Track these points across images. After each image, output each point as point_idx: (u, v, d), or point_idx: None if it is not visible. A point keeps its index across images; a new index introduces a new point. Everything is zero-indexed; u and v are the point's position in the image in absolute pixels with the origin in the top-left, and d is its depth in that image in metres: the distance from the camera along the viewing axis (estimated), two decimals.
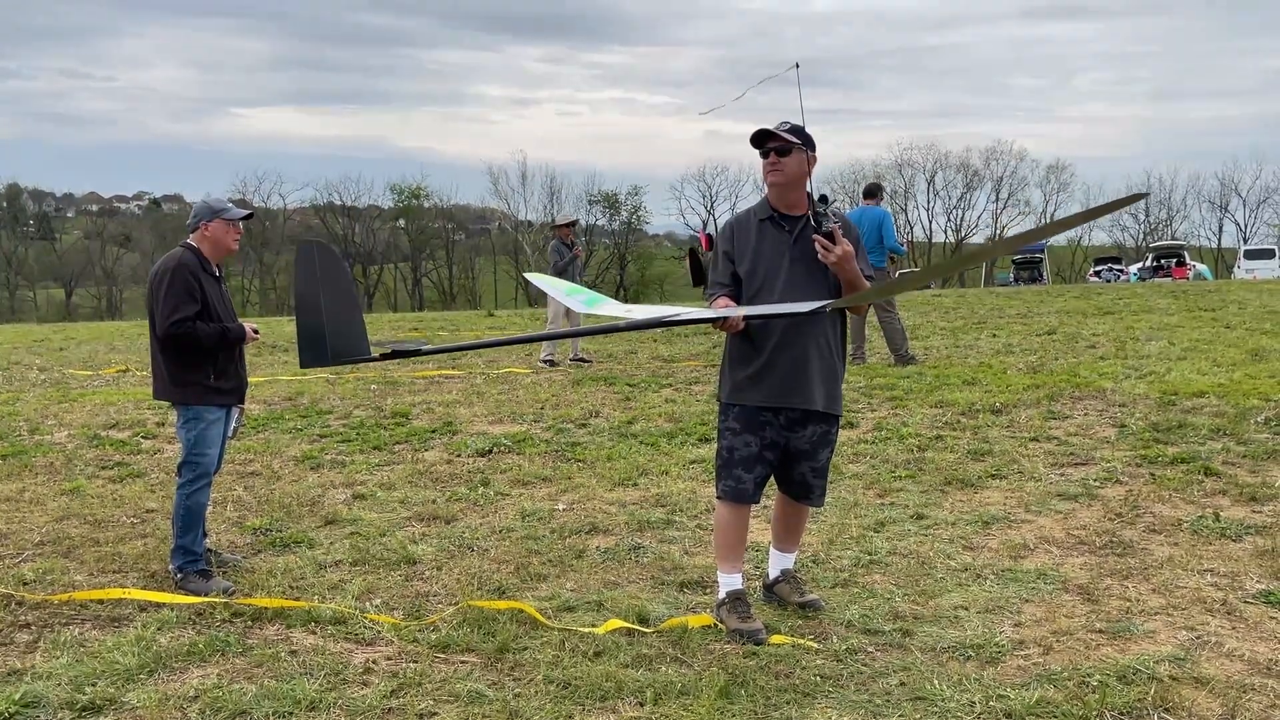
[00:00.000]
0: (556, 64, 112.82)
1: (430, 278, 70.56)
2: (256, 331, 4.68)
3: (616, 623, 3.88)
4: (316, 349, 3.70)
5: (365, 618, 4.03)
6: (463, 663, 3.62)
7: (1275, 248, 47.35)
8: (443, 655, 3.68)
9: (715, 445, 4.01)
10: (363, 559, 4.78)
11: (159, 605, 4.20)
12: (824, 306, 3.58)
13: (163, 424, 8.40)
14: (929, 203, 70.14)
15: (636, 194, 68.39)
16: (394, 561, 4.75)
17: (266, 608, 4.14)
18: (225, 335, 4.50)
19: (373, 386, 10.31)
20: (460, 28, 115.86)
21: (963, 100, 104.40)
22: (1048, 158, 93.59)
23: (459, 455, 6.95)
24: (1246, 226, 65.06)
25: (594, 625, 3.89)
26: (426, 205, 70.52)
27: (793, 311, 3.58)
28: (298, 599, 4.25)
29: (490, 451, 6.99)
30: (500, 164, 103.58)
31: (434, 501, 5.78)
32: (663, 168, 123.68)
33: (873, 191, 11.34)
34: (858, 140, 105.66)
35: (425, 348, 4.10)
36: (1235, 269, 44.66)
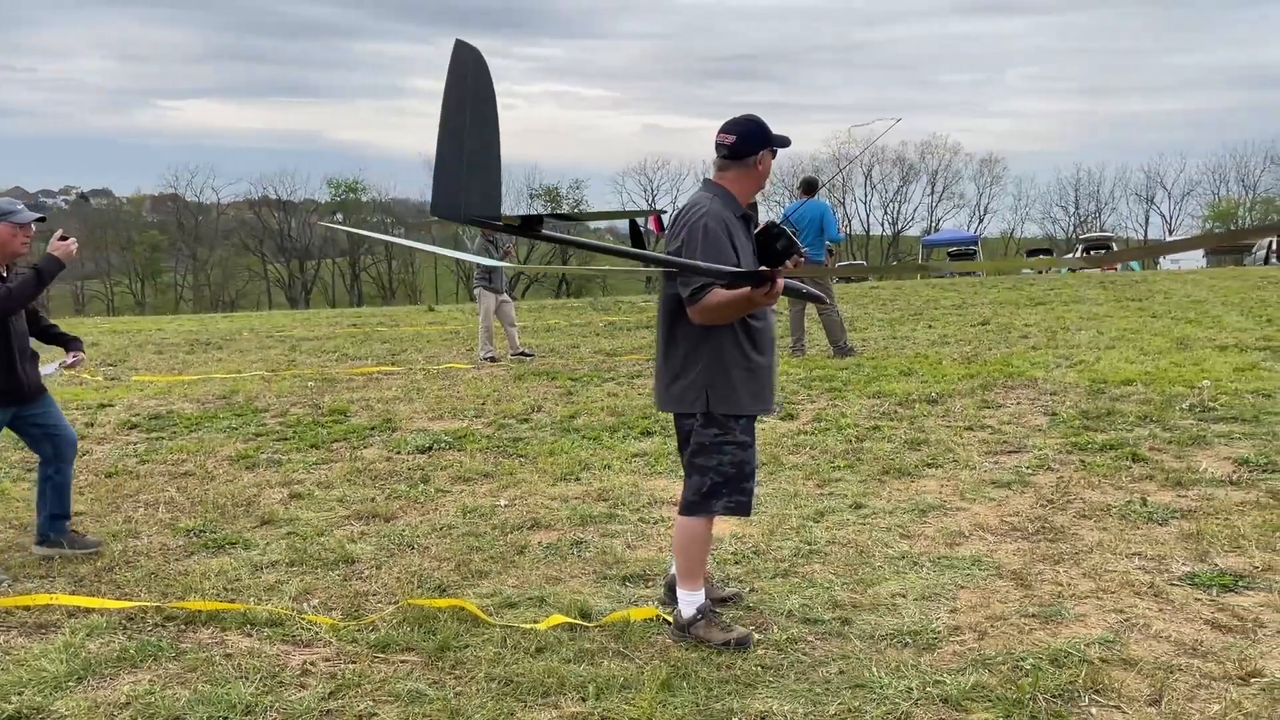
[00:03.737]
0: (493, 57, 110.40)
1: (369, 273, 69.67)
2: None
3: (558, 618, 3.87)
4: (451, 195, 3.01)
5: (302, 619, 3.97)
6: (403, 662, 3.58)
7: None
8: (382, 655, 3.64)
9: (702, 459, 3.66)
10: (300, 559, 4.71)
11: (88, 610, 4.09)
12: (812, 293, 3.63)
13: (91, 424, 8.19)
14: (866, 196, 71.01)
15: (578, 188, 68.25)
16: (332, 561, 4.68)
17: (200, 611, 4.06)
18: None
19: (310, 383, 10.16)
20: (395, 20, 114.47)
21: (897, 95, 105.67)
22: (981, 152, 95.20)
23: (399, 452, 6.87)
24: (1172, 218, 66.97)
25: (536, 621, 3.88)
26: (365, 199, 69.63)
27: (811, 292, 3.66)
28: (232, 601, 4.17)
29: (431, 448, 6.92)
30: None
31: (373, 500, 5.72)
32: (602, 161, 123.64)
33: (810, 186, 11.44)
34: (796, 133, 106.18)
35: (556, 233, 3.48)
36: (1161, 259, 45.93)
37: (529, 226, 3.20)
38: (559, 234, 3.55)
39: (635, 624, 3.81)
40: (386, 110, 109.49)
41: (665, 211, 4.32)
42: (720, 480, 3.65)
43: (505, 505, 5.54)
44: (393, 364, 11.75)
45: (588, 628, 3.81)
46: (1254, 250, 46.32)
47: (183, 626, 3.95)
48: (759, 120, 3.68)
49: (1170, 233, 63.17)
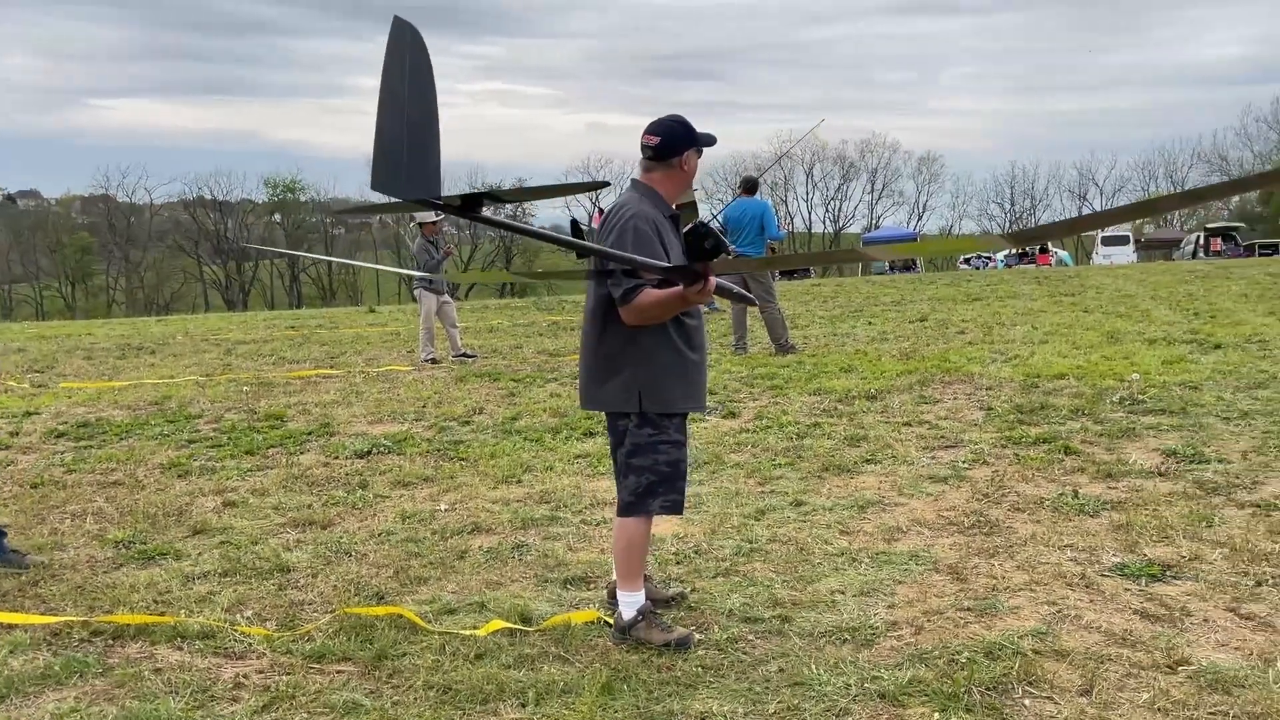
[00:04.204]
0: (434, 55, 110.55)
1: (309, 274, 68.67)
2: None
3: (498, 623, 3.84)
4: (392, 170, 2.91)
5: (235, 630, 3.88)
6: (339, 672, 3.52)
7: (1130, 234, 50.11)
8: (318, 666, 3.58)
9: (638, 458, 3.67)
10: (233, 569, 4.61)
11: (10, 627, 3.96)
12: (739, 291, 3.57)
13: (16, 433, 7.96)
14: (808, 194, 71.73)
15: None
16: (267, 570, 4.59)
17: (129, 624, 3.95)
18: None
19: (245, 388, 9.97)
20: (334, 18, 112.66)
21: (837, 94, 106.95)
22: (919, 150, 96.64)
23: (336, 457, 6.77)
24: None
25: (475, 627, 3.84)
26: (303, 199, 68.61)
27: (741, 293, 3.51)
28: (162, 614, 4.06)
29: (369, 453, 6.83)
30: None
31: (309, 506, 5.62)
32: (546, 160, 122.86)
33: (751, 185, 11.50)
34: (738, 132, 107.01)
35: (502, 211, 3.32)
36: (1094, 255, 47.05)
37: (469, 206, 3.15)
38: (500, 218, 3.48)
39: (576, 627, 3.79)
40: (325, 109, 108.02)
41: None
42: (656, 479, 3.67)
43: (445, 510, 5.48)
44: (331, 367, 11.59)
45: (528, 632, 3.78)
46: (1182, 246, 47.61)
47: (110, 641, 3.84)
48: (683, 120, 3.70)
49: (1102, 228, 64.60)
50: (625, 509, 3.71)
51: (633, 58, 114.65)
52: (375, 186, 2.94)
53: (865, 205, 71.69)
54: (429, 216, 11.34)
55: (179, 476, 6.43)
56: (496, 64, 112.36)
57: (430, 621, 3.92)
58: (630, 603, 3.68)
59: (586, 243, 3.54)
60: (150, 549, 4.93)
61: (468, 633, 3.78)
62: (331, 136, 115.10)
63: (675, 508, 3.74)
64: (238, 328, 18.76)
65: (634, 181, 3.75)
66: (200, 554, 4.85)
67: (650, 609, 3.69)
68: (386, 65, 2.88)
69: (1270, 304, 13.21)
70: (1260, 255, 37.69)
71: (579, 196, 67.02)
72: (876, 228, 65.46)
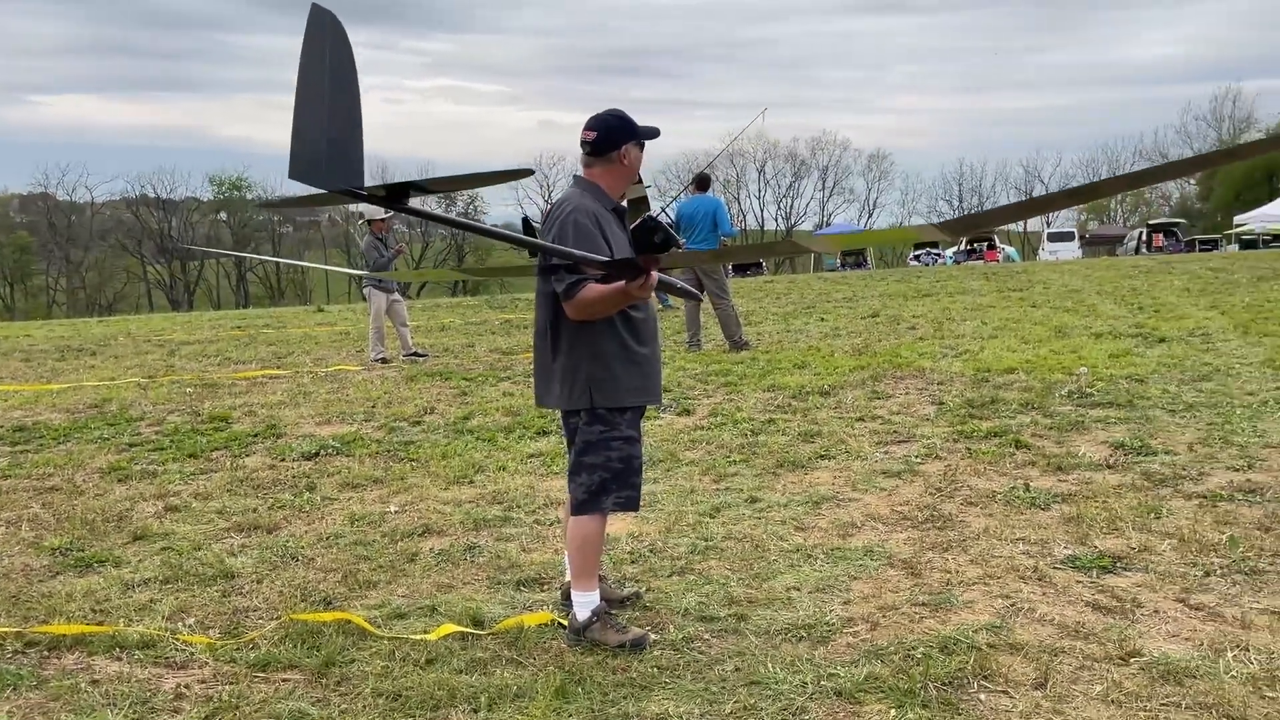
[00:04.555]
0: (381, 50, 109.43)
1: (255, 273, 67.60)
2: None
3: (450, 627, 3.76)
4: (311, 160, 2.83)
5: (177, 639, 3.76)
6: (284, 681, 3.42)
7: (1075, 230, 51.10)
8: (262, 674, 3.47)
9: (590, 456, 3.61)
10: (175, 576, 4.48)
11: None
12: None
13: None
14: (760, 191, 72.10)
15: None
16: (210, 577, 4.46)
17: (65, 635, 3.81)
18: None
19: (189, 389, 9.76)
20: (273, 12, 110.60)
21: (785, 91, 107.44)
22: (869, 148, 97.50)
23: (283, 460, 6.63)
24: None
25: (426, 631, 3.76)
26: (250, 197, 67.48)
27: (685, 289, 3.43)
28: (101, 623, 3.93)
29: (317, 454, 6.70)
30: None
31: (255, 510, 5.49)
32: (497, 157, 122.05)
33: (703, 182, 11.49)
34: (690, 129, 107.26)
35: (454, 210, 3.17)
36: (1040, 251, 47.88)
37: (395, 197, 3.07)
38: (451, 216, 3.40)
39: (529, 630, 3.73)
40: (269, 105, 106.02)
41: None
42: (609, 476, 3.62)
43: (395, 511, 5.38)
44: (279, 367, 11.38)
45: (480, 636, 3.70)
46: (1125, 241, 48.60)
47: (45, 653, 3.70)
48: (620, 114, 3.66)
49: (1048, 224, 65.57)
50: (578, 507, 3.66)
51: (585, 55, 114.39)
52: (293, 176, 2.86)
53: (817, 203, 72.31)
54: (379, 213, 11.20)
55: (119, 481, 6.25)
56: (446, 60, 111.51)
57: (380, 626, 3.83)
58: (585, 603, 3.62)
59: (532, 239, 3.48)
60: (88, 556, 4.77)
61: (418, 637, 3.70)
62: (276, 133, 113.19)
63: (630, 504, 3.68)
64: (182, 328, 18.38)
65: (575, 177, 3.72)
66: (141, 561, 4.71)
67: (605, 609, 3.64)
68: (304, 53, 2.82)
69: (1212, 298, 13.47)
70: (1200, 250, 38.59)
71: (532, 194, 66.72)
72: (828, 225, 66.02)
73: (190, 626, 3.92)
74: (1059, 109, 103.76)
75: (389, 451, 6.74)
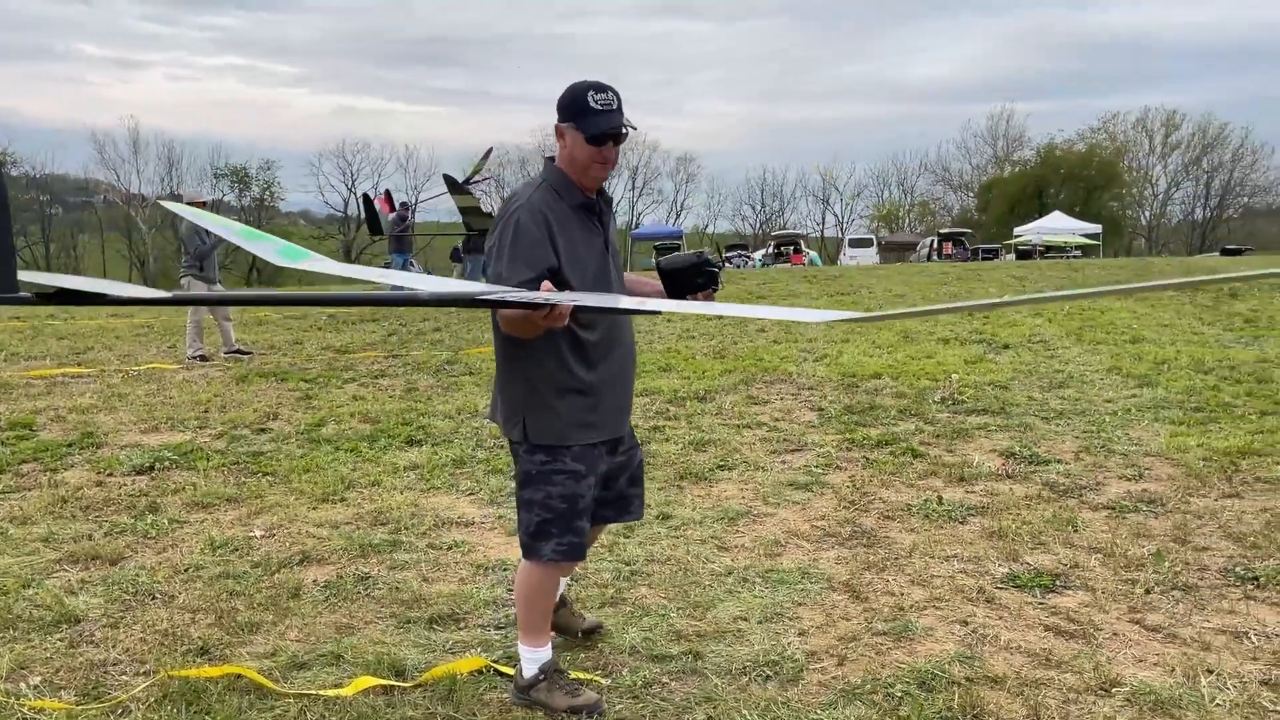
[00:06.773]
0: (164, 24, 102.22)
1: (23, 256, 61.64)
2: None
3: (367, 680, 3.24)
4: None
5: (22, 705, 3.07)
6: None
7: (873, 237, 53.75)
8: None
9: (529, 490, 3.05)
10: (5, 623, 3.71)
11: None
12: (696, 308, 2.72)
13: None
14: None
15: (269, 169, 64.47)
16: (50, 622, 3.73)
17: None
18: None
19: None
20: None
21: None
22: (678, 150, 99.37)
23: (111, 474, 5.78)
24: (844, 217, 73.06)
25: (339, 685, 3.22)
26: (16, 174, 61.53)
27: (640, 308, 2.70)
28: None
29: (152, 468, 5.88)
30: (106, 130, 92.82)
31: (89, 537, 4.70)
32: (292, 141, 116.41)
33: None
34: (498, 124, 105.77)
35: (110, 293, 2.60)
36: (841, 256, 50.05)
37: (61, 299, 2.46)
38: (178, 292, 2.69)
39: (462, 680, 3.26)
40: (38, 75, 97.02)
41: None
42: (550, 516, 3.05)
43: (262, 536, 4.73)
44: (79, 365, 10.15)
45: (406, 689, 3.21)
46: (918, 249, 51.53)
47: None
48: (576, 88, 3.02)
49: (843, 230, 68.62)
50: (524, 550, 3.16)
51: (381, 39, 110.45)
52: None
53: (627, 203, 72.79)
54: (199, 196, 10.24)
55: None
56: (235, 36, 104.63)
57: (279, 681, 3.26)
58: (532, 659, 3.15)
59: (461, 295, 2.94)
60: None
61: (330, 693, 3.16)
62: (47, 106, 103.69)
63: (573, 553, 3.10)
64: None
65: (546, 160, 3.18)
66: None
67: (554, 666, 3.16)
68: None
69: (1033, 306, 14.21)
70: (983, 259, 41.30)
71: (334, 181, 63.97)
72: (638, 225, 66.58)
73: (36, 688, 3.22)
74: (851, 120, 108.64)
75: (237, 464, 6.00)
